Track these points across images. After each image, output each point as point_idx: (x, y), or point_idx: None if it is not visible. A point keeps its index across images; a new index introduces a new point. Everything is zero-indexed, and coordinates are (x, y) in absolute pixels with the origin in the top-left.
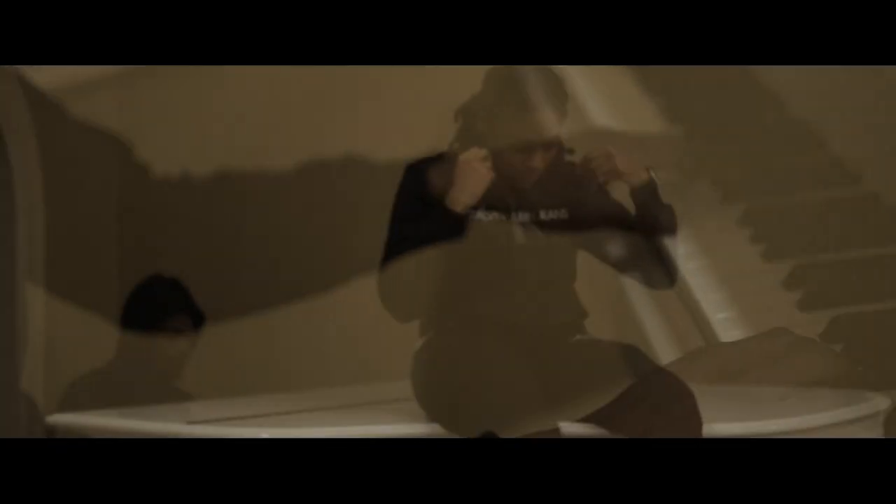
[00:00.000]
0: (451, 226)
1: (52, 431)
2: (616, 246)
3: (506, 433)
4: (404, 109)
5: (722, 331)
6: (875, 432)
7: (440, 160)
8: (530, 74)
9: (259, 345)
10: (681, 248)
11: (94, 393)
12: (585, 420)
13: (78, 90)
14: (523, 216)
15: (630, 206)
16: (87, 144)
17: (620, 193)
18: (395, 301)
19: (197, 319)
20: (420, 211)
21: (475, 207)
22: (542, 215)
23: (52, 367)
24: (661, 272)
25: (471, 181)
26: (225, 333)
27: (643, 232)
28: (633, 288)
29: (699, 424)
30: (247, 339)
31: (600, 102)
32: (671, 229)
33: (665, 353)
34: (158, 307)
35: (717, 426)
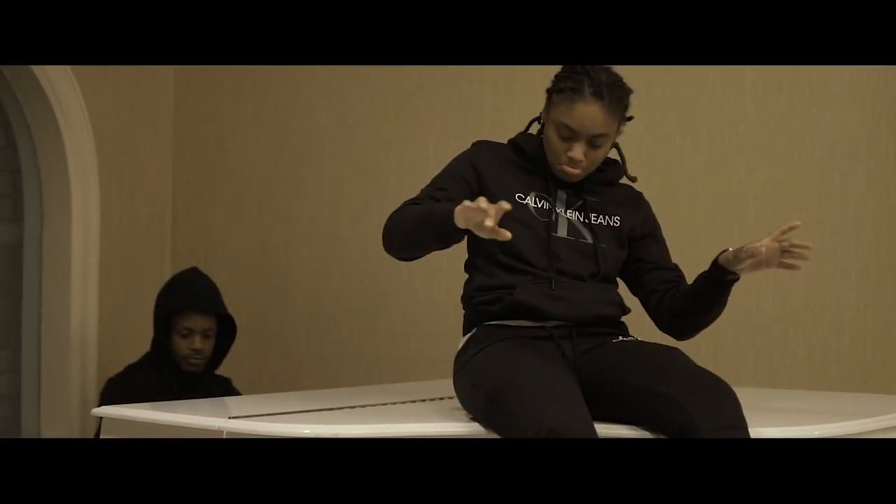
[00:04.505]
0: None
1: (98, 424)
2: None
3: (545, 435)
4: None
5: None
6: None
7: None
8: (598, 74)
9: (307, 342)
10: None
11: (126, 386)
12: (626, 422)
13: (134, 88)
14: (572, 214)
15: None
16: (142, 141)
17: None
18: (390, 242)
19: (223, 321)
20: (467, 175)
21: (525, 193)
22: (594, 219)
23: (104, 361)
24: (681, 328)
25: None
26: (274, 331)
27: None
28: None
29: (745, 426)
30: (295, 336)
31: None
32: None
33: None
34: (177, 304)
35: (761, 430)
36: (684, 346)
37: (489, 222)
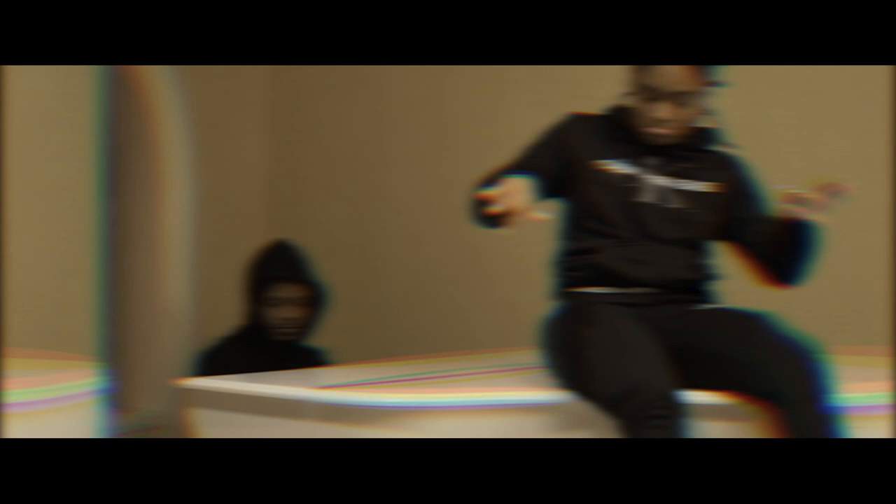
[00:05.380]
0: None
1: (188, 396)
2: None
3: (629, 404)
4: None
5: None
6: None
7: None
8: None
9: (401, 314)
10: None
11: (218, 358)
12: (711, 389)
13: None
14: (662, 179)
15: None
16: (237, 115)
17: None
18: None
19: (313, 290)
20: (556, 142)
21: (612, 159)
22: (684, 185)
23: (200, 334)
24: (778, 275)
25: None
26: (369, 303)
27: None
28: None
29: (829, 396)
30: (390, 308)
31: None
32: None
33: None
34: (267, 275)
35: (850, 396)
36: (779, 309)
37: (495, 210)
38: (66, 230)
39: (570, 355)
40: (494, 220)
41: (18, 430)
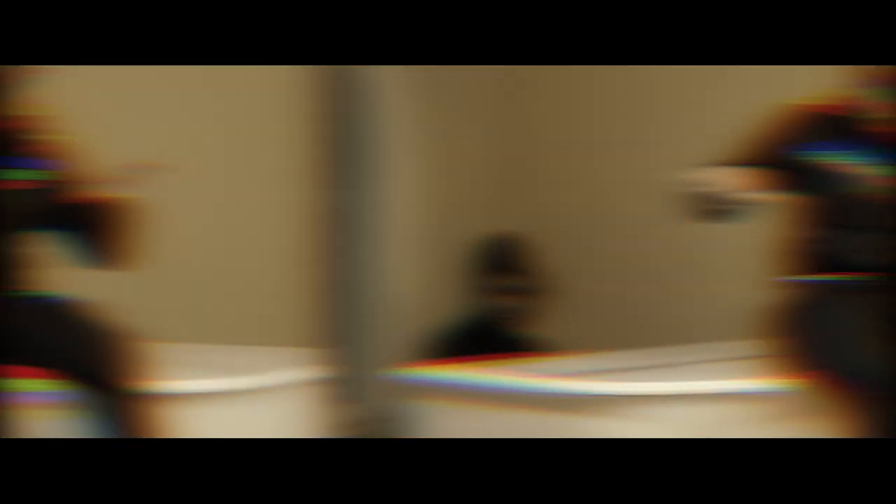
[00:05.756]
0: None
1: (410, 387)
2: None
3: (850, 391)
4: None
5: None
6: None
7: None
8: None
9: (621, 302)
10: None
11: (437, 346)
12: None
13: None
14: (880, 171)
15: None
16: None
17: None
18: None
19: (532, 279)
20: (769, 141)
21: (829, 149)
22: None
23: (422, 325)
24: None
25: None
26: (590, 291)
27: None
28: None
29: None
30: (610, 296)
31: None
32: None
33: None
34: (490, 264)
35: None
36: None
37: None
38: (287, 220)
39: (794, 343)
40: (707, 210)
41: (234, 418)
